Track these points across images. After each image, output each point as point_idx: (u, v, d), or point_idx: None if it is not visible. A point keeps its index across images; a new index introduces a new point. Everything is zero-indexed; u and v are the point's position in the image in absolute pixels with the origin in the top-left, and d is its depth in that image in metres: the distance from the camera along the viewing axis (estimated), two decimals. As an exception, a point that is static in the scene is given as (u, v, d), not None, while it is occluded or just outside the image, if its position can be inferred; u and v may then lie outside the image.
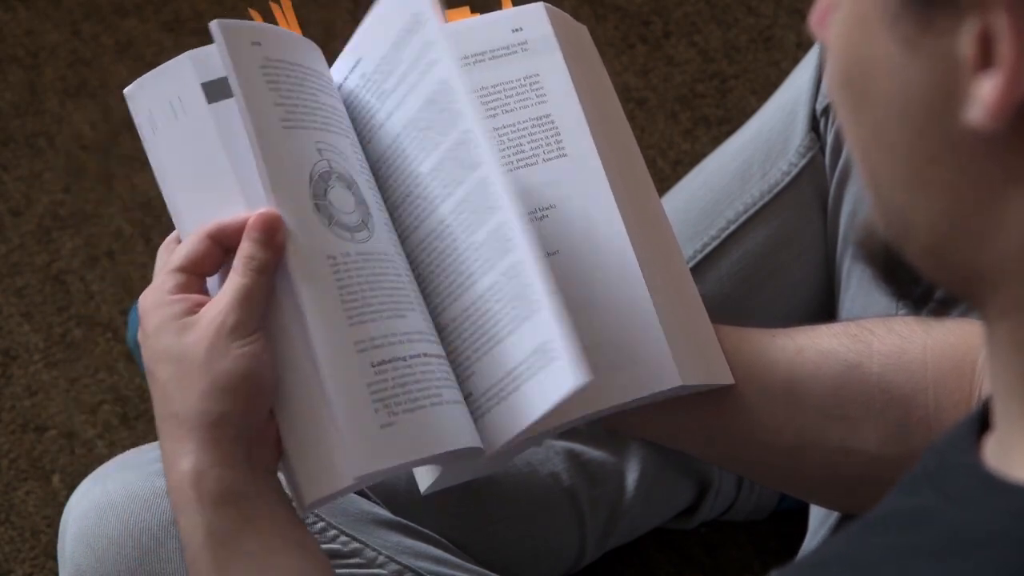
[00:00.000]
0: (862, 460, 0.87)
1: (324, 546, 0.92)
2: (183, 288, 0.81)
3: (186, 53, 0.84)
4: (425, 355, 0.82)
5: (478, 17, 0.93)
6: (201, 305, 0.80)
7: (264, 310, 0.80)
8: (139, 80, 0.85)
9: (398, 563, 0.93)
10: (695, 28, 1.58)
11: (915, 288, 0.57)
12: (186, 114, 0.84)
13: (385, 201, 0.87)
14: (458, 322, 0.84)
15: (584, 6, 1.60)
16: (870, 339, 0.88)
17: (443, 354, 0.84)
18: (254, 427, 0.79)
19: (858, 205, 1.03)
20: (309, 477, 0.80)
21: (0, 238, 1.47)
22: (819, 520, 1.03)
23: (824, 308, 1.08)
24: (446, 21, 0.91)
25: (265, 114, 0.83)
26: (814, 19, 0.54)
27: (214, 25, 0.82)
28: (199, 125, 0.84)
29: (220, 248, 0.81)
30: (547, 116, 0.90)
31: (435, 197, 0.84)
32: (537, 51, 0.91)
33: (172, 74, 0.84)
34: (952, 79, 0.48)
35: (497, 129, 0.89)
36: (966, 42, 0.47)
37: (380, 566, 0.93)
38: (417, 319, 0.83)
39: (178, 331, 0.79)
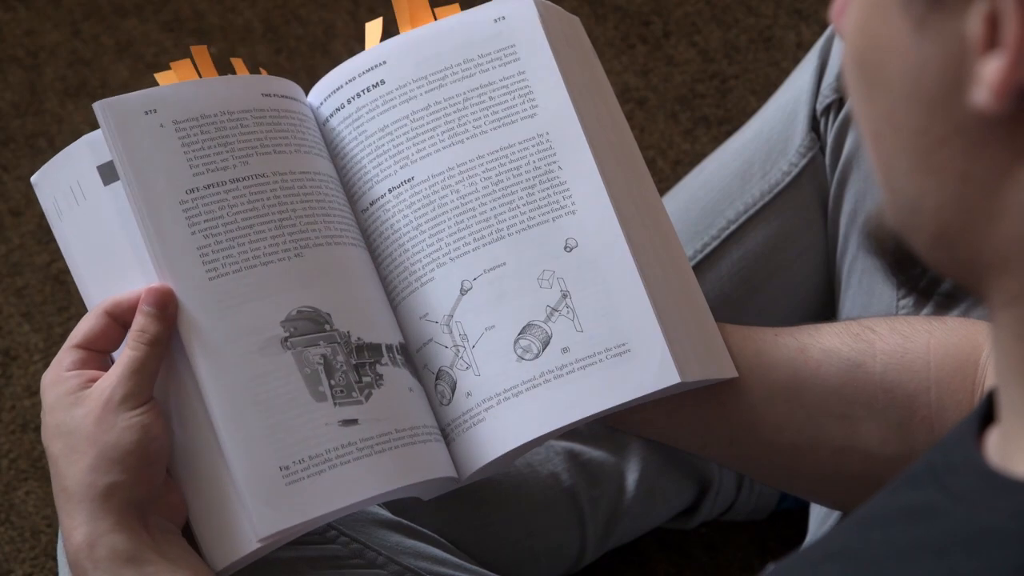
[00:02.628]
0: (864, 459, 0.87)
1: (324, 547, 0.92)
2: (80, 364, 0.83)
3: (83, 138, 0.85)
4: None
5: (460, 14, 0.91)
6: (96, 380, 0.82)
7: (154, 381, 0.82)
8: (42, 168, 0.86)
9: (398, 564, 0.93)
10: (695, 28, 1.58)
11: (921, 280, 0.57)
12: (86, 199, 0.84)
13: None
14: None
15: (584, 6, 1.60)
16: (872, 338, 0.88)
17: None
18: (147, 494, 0.81)
19: (858, 205, 1.03)
20: (215, 544, 0.82)
21: (0, 238, 1.47)
22: (819, 520, 1.03)
23: (824, 308, 1.08)
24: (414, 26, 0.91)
25: (155, 188, 0.83)
26: (835, 10, 0.55)
27: (96, 106, 0.83)
28: (98, 208, 0.84)
29: (117, 324, 0.83)
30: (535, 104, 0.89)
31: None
32: (524, 46, 0.89)
33: (71, 160, 0.85)
34: (960, 60, 0.48)
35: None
36: (975, 22, 0.48)
37: (380, 567, 0.93)
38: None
39: (70, 406, 0.81)
